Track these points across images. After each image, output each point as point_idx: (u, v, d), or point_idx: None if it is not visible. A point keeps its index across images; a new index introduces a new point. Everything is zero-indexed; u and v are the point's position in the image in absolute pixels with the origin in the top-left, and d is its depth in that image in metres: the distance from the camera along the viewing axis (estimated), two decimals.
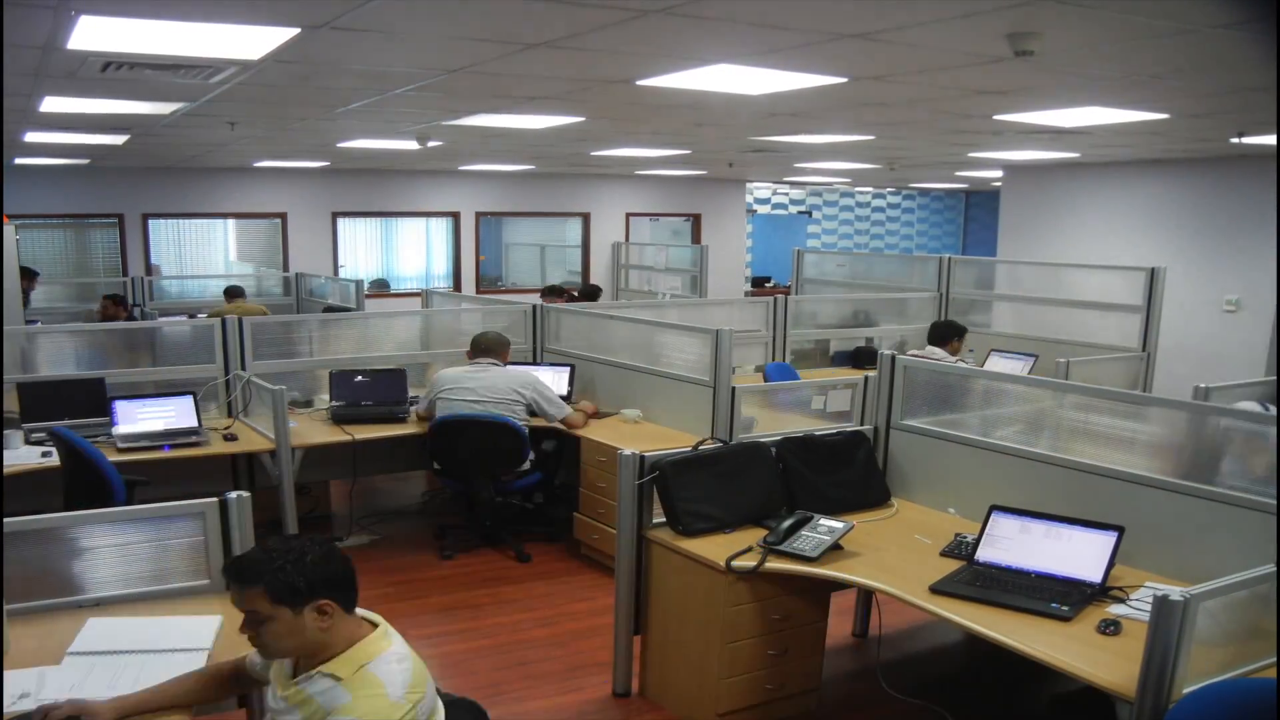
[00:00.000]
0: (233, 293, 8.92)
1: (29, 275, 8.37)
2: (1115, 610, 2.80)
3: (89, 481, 4.07)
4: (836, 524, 3.34)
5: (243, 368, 5.37)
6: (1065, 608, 2.77)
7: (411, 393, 5.62)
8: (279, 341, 5.63)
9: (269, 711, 2.08)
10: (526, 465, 5.11)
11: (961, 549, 3.29)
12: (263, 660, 2.14)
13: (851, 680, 3.97)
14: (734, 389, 4.68)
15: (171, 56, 3.80)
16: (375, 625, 2.07)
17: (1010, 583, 2.97)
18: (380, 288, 12.11)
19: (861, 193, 17.16)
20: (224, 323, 5.41)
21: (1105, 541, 2.99)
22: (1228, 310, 8.43)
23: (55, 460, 4.39)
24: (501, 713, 3.65)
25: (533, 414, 5.16)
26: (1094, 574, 2.94)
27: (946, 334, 6.47)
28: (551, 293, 10.10)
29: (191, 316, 8.52)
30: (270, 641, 1.98)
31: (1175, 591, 2.22)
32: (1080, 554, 3.00)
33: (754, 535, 3.43)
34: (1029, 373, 6.17)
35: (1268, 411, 3.98)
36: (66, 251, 10.63)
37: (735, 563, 3.24)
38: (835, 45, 3.50)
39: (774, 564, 3.24)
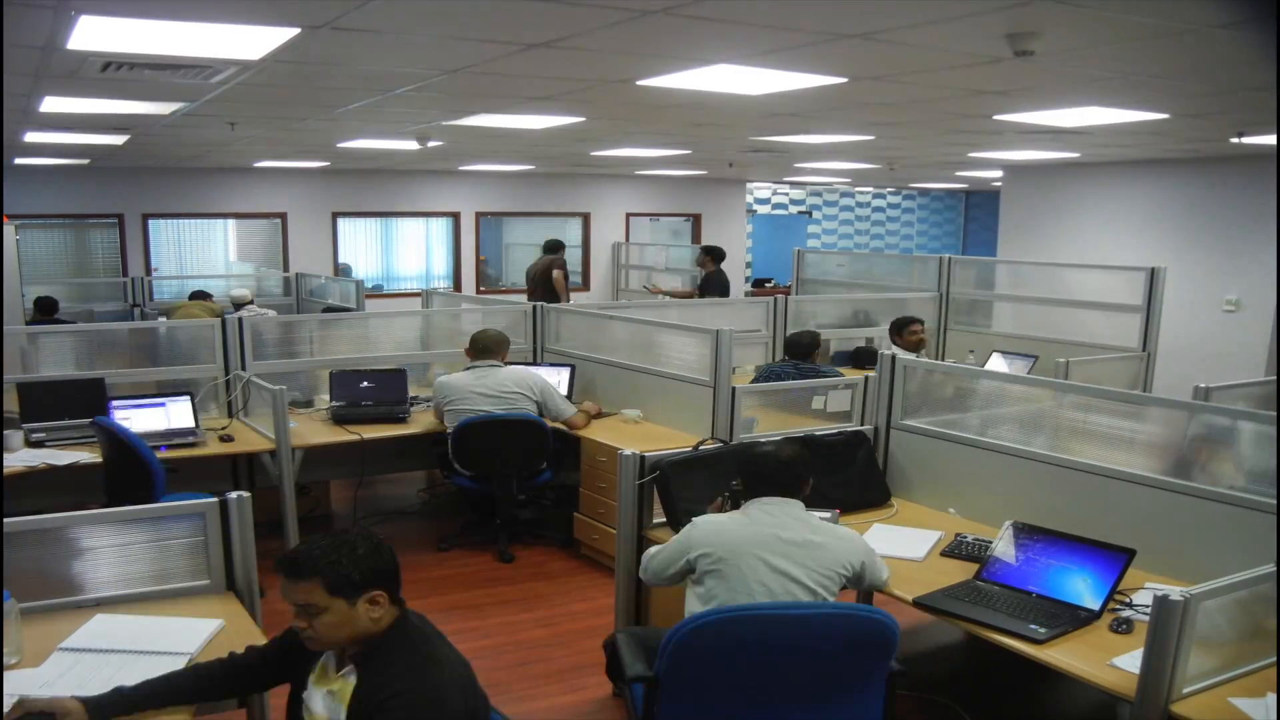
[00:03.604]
0: (196, 296, 8.86)
1: (47, 309, 8.35)
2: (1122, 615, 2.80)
3: (132, 471, 4.12)
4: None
5: (243, 368, 5.37)
6: (1042, 630, 2.68)
7: (412, 393, 5.62)
8: (279, 341, 5.63)
9: (309, 714, 2.10)
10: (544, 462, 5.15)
11: (962, 549, 3.29)
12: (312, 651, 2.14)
13: None
14: (734, 389, 4.68)
15: (171, 56, 3.80)
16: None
17: (1002, 600, 2.88)
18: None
19: (861, 193, 17.16)
20: (224, 323, 5.41)
21: (1113, 564, 2.87)
22: (1228, 310, 8.43)
23: (54, 460, 4.40)
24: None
25: (540, 413, 5.17)
26: (1094, 598, 2.82)
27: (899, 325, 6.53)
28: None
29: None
30: (325, 633, 2.03)
31: (1175, 591, 2.22)
32: (1086, 577, 2.89)
33: None
34: (1028, 374, 6.16)
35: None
36: (66, 251, 10.64)
37: None
38: (835, 45, 3.50)
39: None
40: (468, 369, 5.25)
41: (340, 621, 2.01)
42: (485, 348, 5.29)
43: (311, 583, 2.00)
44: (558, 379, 5.70)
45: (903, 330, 6.49)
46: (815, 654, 2.39)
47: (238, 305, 8.29)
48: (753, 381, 5.60)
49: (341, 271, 11.58)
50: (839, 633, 2.40)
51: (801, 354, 5.72)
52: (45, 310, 8.30)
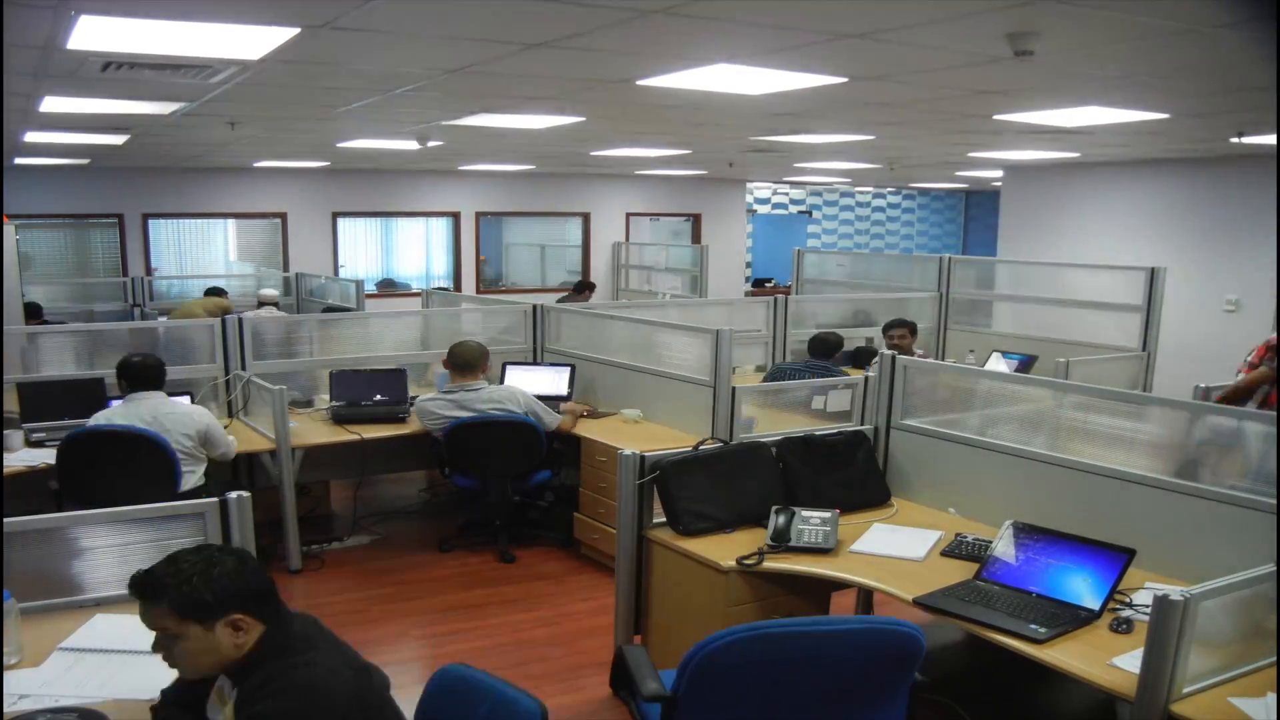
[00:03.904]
0: (211, 293, 9.00)
1: (33, 313, 8.38)
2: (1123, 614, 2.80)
3: (146, 467, 4.20)
4: (825, 513, 3.37)
5: (243, 367, 5.37)
6: (1042, 630, 2.67)
7: (412, 393, 5.62)
8: (279, 341, 5.63)
9: None
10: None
11: (962, 549, 3.29)
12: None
13: None
14: (734, 389, 4.68)
15: (171, 56, 3.80)
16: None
17: (1002, 600, 2.88)
18: (387, 288, 12.12)
19: (861, 193, 17.15)
20: (224, 323, 5.41)
21: (1113, 565, 2.86)
22: (1228, 310, 8.43)
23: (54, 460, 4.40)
24: None
25: None
26: (1094, 598, 2.82)
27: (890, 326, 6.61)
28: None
29: None
30: (186, 661, 1.87)
31: (1175, 591, 2.22)
32: (1086, 576, 2.88)
33: (754, 535, 3.43)
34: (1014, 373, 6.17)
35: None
36: (66, 251, 10.63)
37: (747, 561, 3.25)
38: (835, 45, 3.50)
39: (788, 563, 3.25)
40: (446, 392, 5.07)
41: (200, 649, 1.84)
42: (467, 363, 5.07)
43: (161, 607, 1.83)
44: (557, 379, 5.70)
45: (888, 331, 6.55)
46: (839, 670, 2.34)
47: (259, 304, 8.49)
48: (764, 380, 5.60)
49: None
50: (864, 647, 2.36)
51: (825, 353, 5.74)
52: (31, 315, 8.33)
